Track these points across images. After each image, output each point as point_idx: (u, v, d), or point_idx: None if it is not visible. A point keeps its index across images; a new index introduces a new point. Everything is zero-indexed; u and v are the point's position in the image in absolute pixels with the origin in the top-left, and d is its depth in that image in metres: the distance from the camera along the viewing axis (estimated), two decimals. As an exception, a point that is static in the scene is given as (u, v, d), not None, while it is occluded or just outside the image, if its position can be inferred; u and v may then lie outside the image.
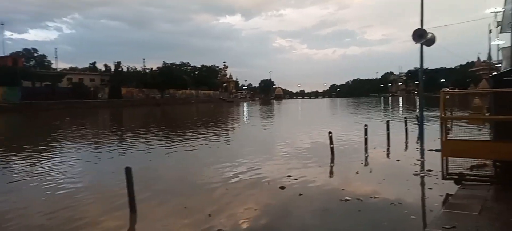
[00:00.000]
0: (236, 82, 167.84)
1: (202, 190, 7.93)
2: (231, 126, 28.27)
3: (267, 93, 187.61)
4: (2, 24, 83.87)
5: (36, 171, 10.72)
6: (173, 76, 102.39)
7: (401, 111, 39.84)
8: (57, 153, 14.69)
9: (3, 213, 6.64)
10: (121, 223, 6.03)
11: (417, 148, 12.98)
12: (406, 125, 16.65)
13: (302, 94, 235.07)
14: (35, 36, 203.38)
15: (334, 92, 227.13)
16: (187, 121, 33.49)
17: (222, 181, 8.69)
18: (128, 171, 6.38)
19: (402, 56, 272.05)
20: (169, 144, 16.54)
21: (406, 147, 13.71)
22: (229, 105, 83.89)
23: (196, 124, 28.98)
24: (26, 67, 78.98)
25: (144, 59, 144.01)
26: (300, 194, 7.28)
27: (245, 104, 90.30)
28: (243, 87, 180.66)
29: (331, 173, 9.69)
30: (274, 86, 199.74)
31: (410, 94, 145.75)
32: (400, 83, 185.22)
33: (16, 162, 12.48)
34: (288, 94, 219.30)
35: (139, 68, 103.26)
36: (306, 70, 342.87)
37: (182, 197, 7.39)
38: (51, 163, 12.10)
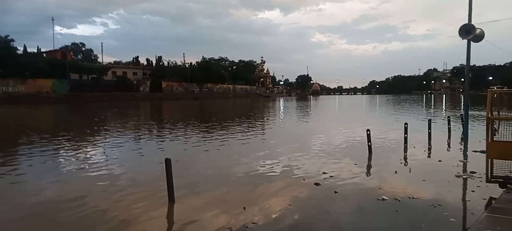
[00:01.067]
0: (273, 78, 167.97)
1: (238, 184, 8.07)
2: (267, 121, 28.37)
3: (303, 89, 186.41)
4: (53, 20, 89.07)
5: (83, 157, 11.34)
6: (211, 71, 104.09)
7: (444, 110, 38.23)
8: (103, 142, 15.42)
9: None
10: (160, 211, 6.28)
11: (461, 149, 12.49)
12: (449, 124, 16.00)
13: (340, 90, 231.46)
14: (83, 31, 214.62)
15: (373, 88, 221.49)
16: (224, 115, 33.98)
17: (257, 175, 8.80)
18: (167, 162, 6.62)
19: (447, 52, 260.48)
20: (207, 137, 16.89)
21: (449, 147, 13.20)
22: (265, 100, 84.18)
23: (233, 118, 29.35)
24: (74, 60, 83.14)
25: (184, 54, 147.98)
26: (336, 192, 7.23)
27: (281, 100, 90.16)
28: (280, 83, 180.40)
29: (368, 171, 9.52)
30: (311, 81, 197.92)
31: (454, 92, 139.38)
32: (444, 81, 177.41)
33: (68, 149, 13.26)
34: (325, 90, 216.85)
35: (179, 63, 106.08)
36: (345, 66, 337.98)
37: (218, 189, 7.56)
38: (98, 151, 12.77)
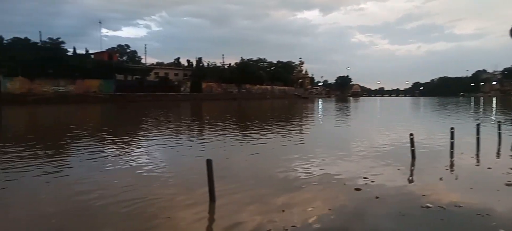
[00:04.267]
0: (312, 79, 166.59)
1: (277, 186, 8.08)
2: (306, 123, 28.19)
3: (343, 90, 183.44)
4: (100, 22, 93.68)
5: (127, 155, 11.86)
6: (249, 72, 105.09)
7: (494, 114, 36.17)
8: (146, 141, 16.01)
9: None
10: (201, 211, 6.45)
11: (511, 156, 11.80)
12: (499, 129, 15.14)
13: (381, 92, 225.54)
14: (127, 33, 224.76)
15: (417, 90, 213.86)
16: (263, 116, 34.14)
17: (297, 178, 8.79)
18: (209, 163, 6.80)
19: (497, 53, 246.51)
20: (246, 138, 17.07)
21: (499, 154, 12.50)
22: (303, 102, 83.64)
23: (271, 119, 29.42)
24: (119, 62, 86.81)
25: (223, 55, 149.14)
26: (377, 197, 7.08)
27: (320, 101, 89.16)
28: (319, 84, 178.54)
29: (411, 177, 9.24)
30: (351, 83, 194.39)
31: (506, 95, 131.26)
32: (494, 83, 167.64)
33: (111, 148, 13.92)
34: (366, 92, 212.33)
35: (218, 64, 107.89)
36: (387, 67, 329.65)
37: (258, 191, 7.62)
38: (141, 150, 13.29)
